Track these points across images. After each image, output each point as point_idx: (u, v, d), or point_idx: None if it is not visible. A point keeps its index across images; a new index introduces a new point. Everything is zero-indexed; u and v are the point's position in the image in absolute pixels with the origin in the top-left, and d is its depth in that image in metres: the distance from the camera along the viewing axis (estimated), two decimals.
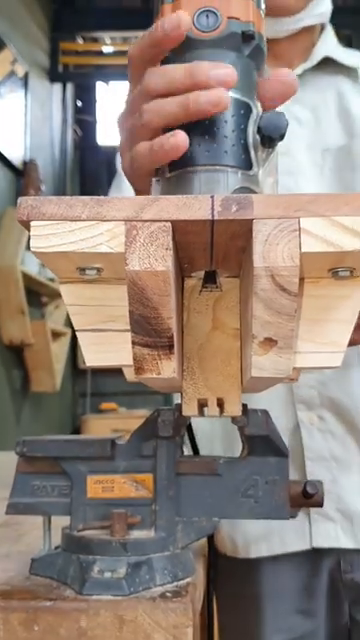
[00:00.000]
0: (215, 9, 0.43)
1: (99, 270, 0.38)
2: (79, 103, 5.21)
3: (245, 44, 0.44)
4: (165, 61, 0.46)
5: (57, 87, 4.63)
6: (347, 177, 0.80)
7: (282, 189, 0.81)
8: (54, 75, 4.50)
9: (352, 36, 4.16)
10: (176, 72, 0.42)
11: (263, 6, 0.46)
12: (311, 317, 0.42)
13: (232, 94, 0.43)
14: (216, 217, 0.35)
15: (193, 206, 0.35)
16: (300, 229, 0.35)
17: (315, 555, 0.79)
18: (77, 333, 0.42)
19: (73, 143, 4.95)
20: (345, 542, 0.77)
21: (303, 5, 0.82)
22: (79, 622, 0.44)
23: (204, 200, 0.35)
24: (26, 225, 0.36)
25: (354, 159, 0.80)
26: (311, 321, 0.42)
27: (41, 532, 0.53)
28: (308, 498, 0.50)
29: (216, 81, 0.41)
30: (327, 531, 0.78)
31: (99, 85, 5.32)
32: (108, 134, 5.16)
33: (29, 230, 0.36)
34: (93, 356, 0.42)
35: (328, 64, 0.86)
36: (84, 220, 0.35)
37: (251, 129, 0.43)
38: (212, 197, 0.35)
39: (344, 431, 0.79)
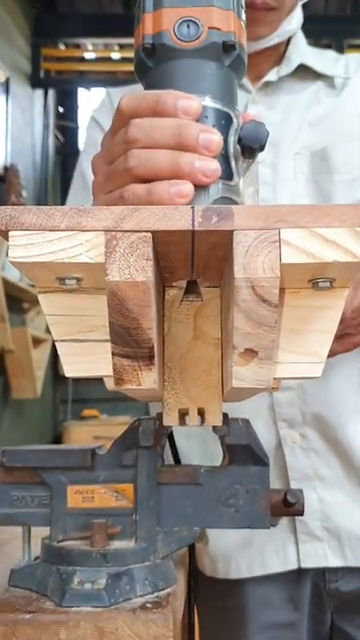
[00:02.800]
0: (196, 19, 0.43)
1: (79, 280, 0.38)
2: (61, 109, 5.20)
3: (226, 54, 0.44)
4: (145, 71, 0.46)
5: (38, 93, 4.61)
6: (323, 181, 0.80)
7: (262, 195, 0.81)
8: (35, 81, 4.48)
9: (332, 44, 4.22)
10: (163, 129, 0.42)
11: (244, 17, 0.46)
12: (291, 327, 0.42)
13: (213, 104, 0.43)
14: (196, 228, 0.35)
15: (173, 217, 0.35)
16: (280, 240, 0.35)
17: (300, 570, 0.79)
18: (56, 343, 0.41)
19: (54, 149, 4.94)
20: (333, 561, 0.78)
21: (273, 29, 0.83)
22: (59, 634, 0.43)
23: (184, 211, 0.35)
24: (4, 235, 0.36)
25: (329, 163, 0.80)
26: (291, 331, 0.42)
27: (21, 542, 0.53)
28: (289, 507, 0.50)
29: (204, 147, 0.41)
30: (315, 550, 0.78)
31: (81, 91, 5.32)
32: None
33: (7, 240, 0.36)
34: (72, 367, 0.42)
35: (303, 70, 0.87)
36: (63, 230, 0.35)
37: (232, 139, 0.43)
38: (192, 208, 0.35)
39: (327, 448, 0.79)
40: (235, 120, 0.44)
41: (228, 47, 0.44)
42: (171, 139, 0.41)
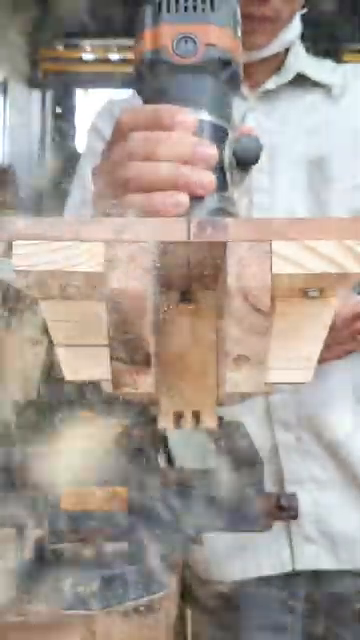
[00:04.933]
0: (194, 36, 0.45)
1: (79, 288, 0.39)
2: (58, 110, 5.20)
3: (222, 70, 0.46)
4: (144, 85, 0.47)
5: (36, 94, 4.62)
6: (321, 189, 0.81)
7: (256, 207, 0.83)
8: (33, 81, 4.49)
9: (330, 48, 4.19)
10: (161, 142, 0.43)
11: (240, 33, 0.48)
12: (283, 334, 0.43)
13: (209, 118, 0.45)
14: (192, 239, 0.37)
15: (170, 228, 0.37)
16: (272, 252, 0.37)
17: (294, 573, 0.80)
18: (56, 348, 0.42)
19: (52, 150, 4.93)
20: (327, 564, 0.79)
21: (271, 39, 0.84)
22: (50, 638, 0.44)
23: (181, 222, 0.37)
24: (8, 244, 0.37)
25: (327, 172, 0.82)
26: (283, 338, 0.43)
27: (14, 543, 0.53)
28: (283, 511, 0.51)
29: (200, 160, 0.42)
30: (309, 553, 0.79)
31: (79, 92, 5.32)
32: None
33: (11, 249, 0.37)
34: (72, 371, 0.43)
35: (301, 78, 0.88)
36: (65, 240, 0.37)
37: (227, 152, 0.45)
38: (188, 220, 0.37)
39: (322, 450, 0.80)
40: (230, 133, 0.46)
41: (224, 63, 0.45)
42: (168, 152, 0.43)
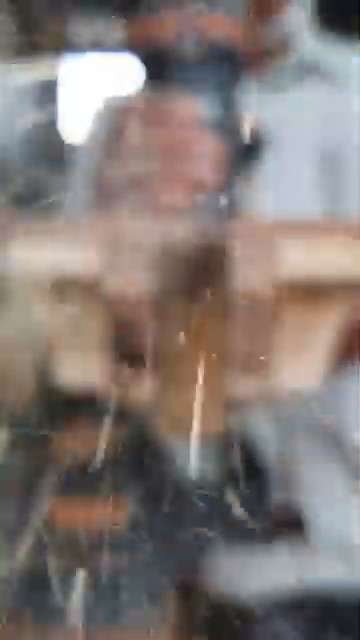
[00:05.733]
0: (198, 26, 0.45)
1: (76, 290, 0.39)
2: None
3: (226, 61, 0.46)
4: (146, 77, 0.47)
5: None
6: (331, 184, 0.80)
7: (261, 203, 0.81)
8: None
9: (342, 36, 4.19)
10: (163, 137, 0.42)
11: (245, 24, 0.48)
12: (289, 338, 0.43)
13: (213, 111, 0.45)
14: (194, 239, 0.36)
15: (172, 228, 0.36)
16: (277, 252, 0.37)
17: (304, 586, 0.79)
18: (53, 352, 0.42)
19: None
20: (339, 575, 0.78)
21: (277, 27, 0.82)
22: None
23: (182, 222, 0.36)
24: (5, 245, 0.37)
25: (337, 163, 0.81)
26: (289, 342, 0.43)
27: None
28: (290, 523, 0.50)
29: (204, 154, 0.42)
30: (319, 564, 0.78)
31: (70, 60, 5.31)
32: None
33: (8, 250, 0.37)
34: (69, 375, 0.43)
35: (310, 67, 0.86)
36: (63, 241, 0.36)
37: (232, 146, 0.44)
38: (191, 219, 0.37)
39: (335, 458, 0.79)
40: (235, 126, 0.46)
41: (229, 54, 0.46)
42: (169, 148, 0.42)
